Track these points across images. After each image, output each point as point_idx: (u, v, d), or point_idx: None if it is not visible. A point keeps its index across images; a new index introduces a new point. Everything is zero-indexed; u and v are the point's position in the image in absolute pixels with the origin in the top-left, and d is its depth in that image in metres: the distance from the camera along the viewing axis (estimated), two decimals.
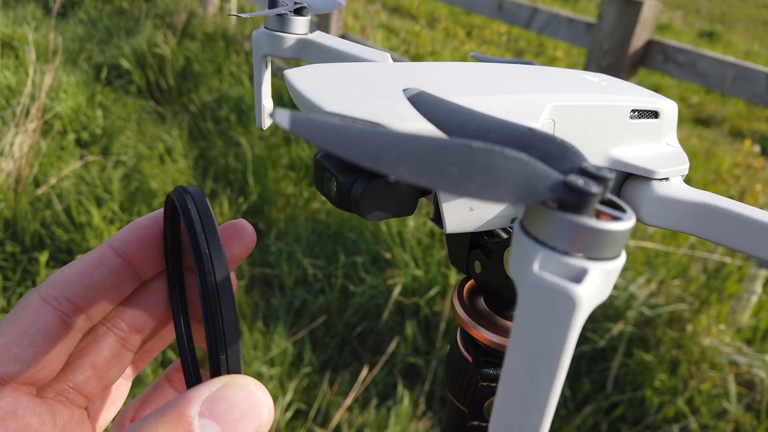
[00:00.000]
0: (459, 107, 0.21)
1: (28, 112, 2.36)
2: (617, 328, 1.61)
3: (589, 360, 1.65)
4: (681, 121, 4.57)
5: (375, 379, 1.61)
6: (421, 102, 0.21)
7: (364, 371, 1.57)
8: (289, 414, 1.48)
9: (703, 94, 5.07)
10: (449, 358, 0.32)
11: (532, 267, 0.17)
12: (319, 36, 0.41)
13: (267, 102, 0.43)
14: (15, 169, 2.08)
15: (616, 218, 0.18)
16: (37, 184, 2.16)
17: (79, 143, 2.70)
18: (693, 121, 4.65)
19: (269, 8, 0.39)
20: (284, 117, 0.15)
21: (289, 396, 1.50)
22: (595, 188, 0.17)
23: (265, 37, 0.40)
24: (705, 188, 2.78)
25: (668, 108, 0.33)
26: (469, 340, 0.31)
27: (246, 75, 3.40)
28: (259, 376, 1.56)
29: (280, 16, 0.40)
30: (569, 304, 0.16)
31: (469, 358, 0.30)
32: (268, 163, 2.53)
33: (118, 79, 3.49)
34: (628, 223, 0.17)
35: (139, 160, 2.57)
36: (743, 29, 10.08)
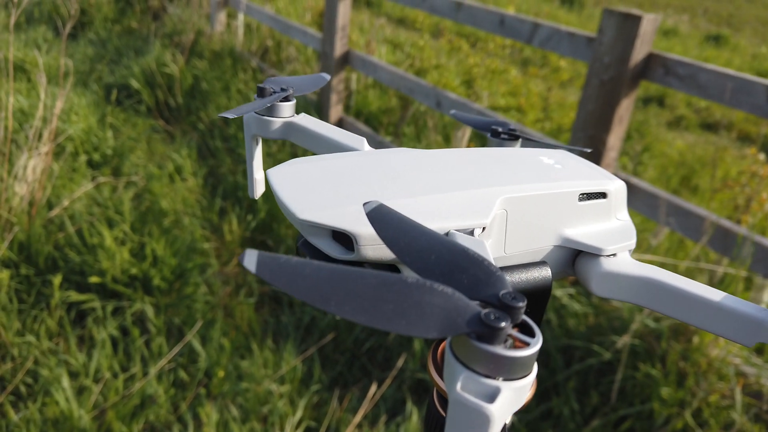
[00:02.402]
0: (409, 224, 0.25)
1: (40, 136, 2.42)
2: (622, 340, 1.62)
3: (596, 373, 1.66)
4: (689, 126, 4.57)
5: (384, 395, 1.63)
6: (377, 218, 0.25)
7: (373, 387, 1.59)
8: (300, 431, 1.50)
9: None
10: (426, 414, 0.35)
11: (456, 386, 0.21)
12: (302, 119, 0.45)
13: (258, 175, 0.47)
14: (28, 192, 2.13)
15: (525, 343, 0.21)
16: (50, 206, 2.21)
17: (91, 164, 2.75)
18: (700, 126, 4.64)
19: (258, 96, 0.43)
20: (252, 261, 0.19)
21: (299, 413, 1.52)
22: (503, 323, 0.20)
23: (255, 121, 0.44)
24: (712, 196, 2.78)
25: (616, 187, 0.36)
26: (444, 399, 0.33)
27: (253, 92, 3.44)
28: (269, 394, 1.59)
29: None
30: (484, 419, 0.20)
31: (444, 415, 0.33)
32: None
33: (127, 99, 3.55)
34: (533, 348, 0.21)
35: (149, 179, 2.62)
36: (751, 31, 10.04)
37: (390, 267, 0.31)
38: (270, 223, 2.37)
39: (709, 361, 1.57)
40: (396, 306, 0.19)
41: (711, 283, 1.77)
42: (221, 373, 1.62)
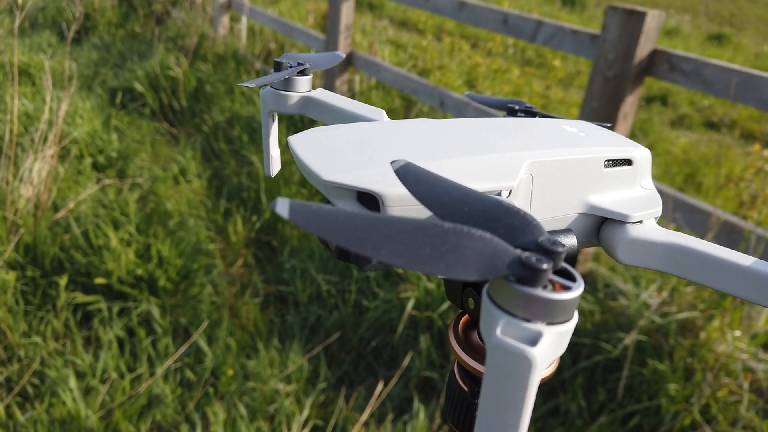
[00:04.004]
0: (439, 180, 0.24)
1: (45, 139, 2.42)
2: (630, 337, 1.61)
3: (603, 370, 1.66)
4: (692, 125, 4.56)
5: (390, 393, 1.63)
6: (406, 175, 0.24)
7: (380, 386, 1.59)
8: (307, 430, 1.49)
9: (713, 97, 5.04)
10: (448, 388, 0.34)
11: (496, 331, 0.20)
12: (320, 93, 0.44)
13: (274, 152, 0.46)
14: (34, 195, 2.14)
15: (567, 287, 0.21)
16: (55, 208, 2.21)
17: (96, 167, 2.76)
18: (703, 125, 4.63)
19: (275, 71, 0.42)
20: (284, 207, 0.18)
21: (306, 412, 1.52)
22: (545, 265, 0.20)
23: (272, 96, 0.44)
24: (717, 193, 2.77)
25: (641, 155, 0.35)
26: (465, 372, 0.33)
27: (257, 94, 3.45)
28: (276, 393, 1.58)
29: None
30: (526, 363, 0.19)
31: (465, 389, 0.32)
32: (281, 181, 2.56)
33: (132, 103, 3.56)
34: (576, 292, 0.21)
35: (154, 181, 2.62)
36: (753, 30, 10.02)
37: None
38: (275, 224, 2.37)
39: (716, 356, 1.56)
40: (433, 250, 0.19)
41: None
42: (230, 372, 1.62)
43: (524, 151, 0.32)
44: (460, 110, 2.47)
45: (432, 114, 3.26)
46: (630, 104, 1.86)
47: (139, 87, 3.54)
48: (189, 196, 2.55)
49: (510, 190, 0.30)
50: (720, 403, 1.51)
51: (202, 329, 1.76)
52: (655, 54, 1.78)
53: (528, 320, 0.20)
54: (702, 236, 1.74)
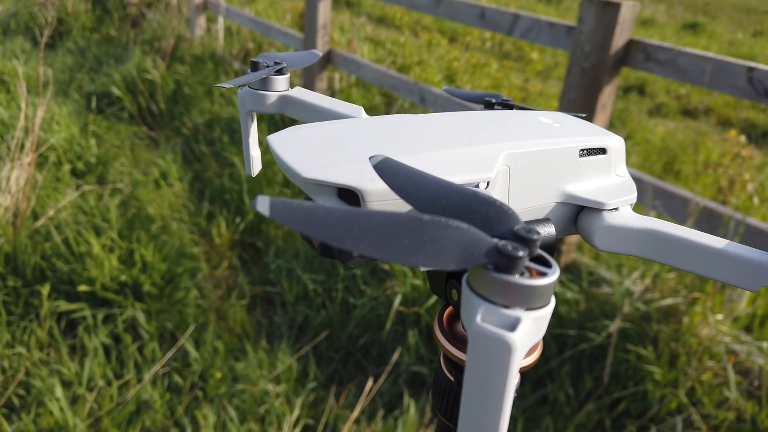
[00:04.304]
0: (417, 174, 0.25)
1: (22, 146, 2.39)
2: (615, 325, 1.63)
3: (589, 358, 1.68)
4: (669, 113, 4.61)
5: (380, 390, 1.63)
6: (385, 170, 0.25)
7: (369, 383, 1.59)
8: (298, 430, 1.49)
9: (689, 85, 5.11)
10: (434, 379, 0.35)
11: (476, 318, 0.21)
12: (298, 92, 0.44)
13: (255, 152, 0.47)
14: (12, 204, 2.11)
15: (543, 274, 0.21)
16: (35, 217, 2.18)
17: (75, 173, 2.72)
18: (681, 113, 4.69)
19: (252, 71, 0.42)
20: (264, 205, 0.19)
21: (296, 412, 1.52)
22: (521, 252, 0.20)
23: (250, 96, 0.44)
24: (695, 179, 2.81)
25: (615, 144, 0.36)
26: (451, 362, 0.33)
27: (236, 95, 3.43)
28: (265, 394, 1.58)
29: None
30: (506, 348, 0.20)
31: (452, 379, 0.33)
32: (263, 181, 2.55)
33: (109, 107, 3.52)
34: (552, 277, 0.21)
35: (134, 186, 2.60)
36: (727, 18, 10.16)
37: None
38: (259, 225, 2.36)
39: (699, 341, 1.59)
40: (412, 241, 0.20)
41: None
42: (218, 374, 1.62)
43: (500, 143, 0.32)
44: (440, 105, 2.47)
45: (413, 110, 3.26)
46: (607, 94, 1.87)
47: (116, 91, 3.51)
48: (171, 199, 2.53)
49: (488, 182, 0.30)
50: (705, 386, 1.54)
51: (189, 333, 1.75)
52: (630, 44, 1.80)
53: (507, 307, 0.21)
54: (682, 223, 1.76)
